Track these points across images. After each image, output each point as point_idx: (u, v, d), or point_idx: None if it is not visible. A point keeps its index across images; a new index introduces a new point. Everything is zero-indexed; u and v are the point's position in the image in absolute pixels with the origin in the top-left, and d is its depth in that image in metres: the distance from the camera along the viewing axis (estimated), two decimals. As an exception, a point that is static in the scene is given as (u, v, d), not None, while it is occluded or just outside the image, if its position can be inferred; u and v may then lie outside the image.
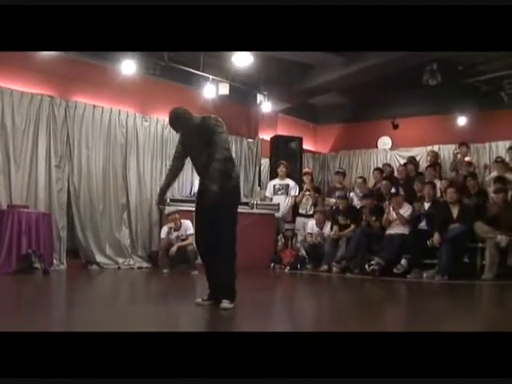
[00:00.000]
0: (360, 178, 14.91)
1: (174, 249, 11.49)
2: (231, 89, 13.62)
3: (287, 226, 13.90)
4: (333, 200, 14.29)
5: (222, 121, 6.58)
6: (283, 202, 14.12)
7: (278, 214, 13.93)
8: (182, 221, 11.80)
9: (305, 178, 14.67)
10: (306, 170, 15.31)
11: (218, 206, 6.37)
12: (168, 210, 11.75)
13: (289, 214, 14.34)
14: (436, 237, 11.45)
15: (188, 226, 11.75)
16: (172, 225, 11.78)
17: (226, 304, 6.42)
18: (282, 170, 14.32)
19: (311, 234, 13.41)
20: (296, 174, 14.80)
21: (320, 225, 13.44)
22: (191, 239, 11.36)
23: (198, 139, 6.58)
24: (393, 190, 13.25)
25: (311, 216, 14.02)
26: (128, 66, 12.06)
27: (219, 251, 6.70)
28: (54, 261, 11.16)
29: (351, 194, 14.74)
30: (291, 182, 14.32)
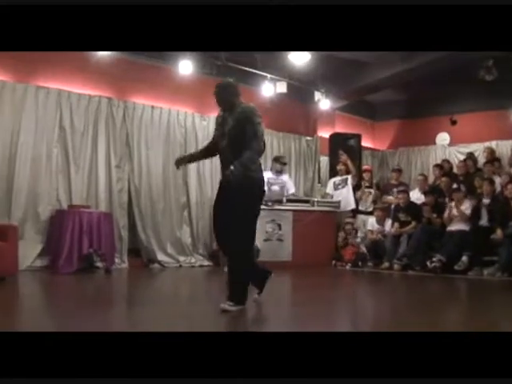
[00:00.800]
0: (421, 175, 14.22)
1: None
2: (289, 87, 13.08)
3: (347, 220, 13.25)
4: (391, 197, 13.63)
5: (258, 110, 6.15)
6: (345, 194, 13.54)
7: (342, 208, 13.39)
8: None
9: (364, 175, 14.13)
10: (365, 167, 14.70)
11: (236, 197, 5.94)
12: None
13: (350, 204, 13.59)
14: (499, 232, 10.78)
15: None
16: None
17: (225, 305, 5.83)
18: (340, 167, 13.78)
19: (372, 231, 12.86)
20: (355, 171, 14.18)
21: (380, 222, 12.85)
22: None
23: (231, 123, 6.12)
24: (454, 186, 12.62)
25: (371, 213, 13.42)
26: (185, 66, 11.66)
27: (231, 247, 6.08)
28: (116, 260, 10.79)
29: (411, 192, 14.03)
30: (349, 177, 13.69)
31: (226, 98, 6.22)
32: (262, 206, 11.58)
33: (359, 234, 13.26)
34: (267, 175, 12.76)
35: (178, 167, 6.68)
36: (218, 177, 12.22)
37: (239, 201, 5.93)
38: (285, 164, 13.22)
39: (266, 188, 12.28)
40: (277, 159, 13.01)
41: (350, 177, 13.73)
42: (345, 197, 13.57)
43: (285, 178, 13.13)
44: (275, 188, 12.71)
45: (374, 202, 13.75)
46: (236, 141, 6.04)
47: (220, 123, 6.32)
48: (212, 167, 12.53)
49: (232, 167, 5.82)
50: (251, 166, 6.00)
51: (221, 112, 6.40)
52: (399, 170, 14.77)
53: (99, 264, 10.33)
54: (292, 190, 13.15)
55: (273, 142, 13.98)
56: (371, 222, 13.04)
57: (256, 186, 6.17)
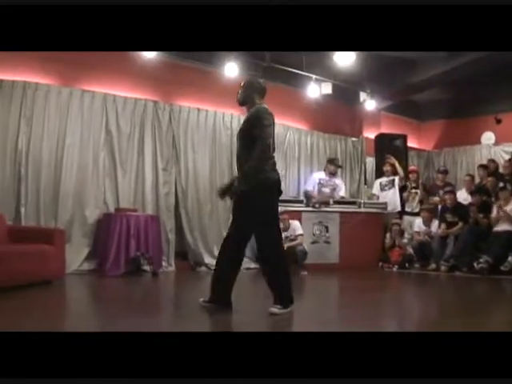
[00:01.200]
0: (468, 175, 13.66)
1: None
2: (334, 88, 12.61)
3: (394, 221, 12.75)
4: (437, 199, 13.07)
5: (270, 112, 5.84)
6: (391, 196, 13.10)
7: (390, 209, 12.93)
8: (291, 221, 10.92)
9: (410, 175, 13.53)
10: (411, 167, 14.10)
11: (243, 206, 5.77)
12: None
13: (396, 206, 13.11)
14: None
15: (296, 226, 10.92)
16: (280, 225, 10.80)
17: (273, 309, 5.62)
18: (387, 168, 13.31)
19: (418, 232, 12.33)
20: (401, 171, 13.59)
21: (427, 223, 12.33)
22: (300, 239, 10.73)
23: (243, 127, 5.96)
24: (500, 185, 12.02)
25: (417, 214, 12.87)
26: (231, 68, 11.34)
27: (263, 253, 5.94)
28: (163, 263, 10.52)
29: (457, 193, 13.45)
30: (396, 178, 13.21)
31: (249, 95, 6.06)
32: (309, 208, 11.72)
33: (406, 236, 12.73)
34: (319, 175, 12.63)
35: (222, 199, 6.36)
36: None
37: (253, 208, 5.71)
38: (339, 167, 12.86)
39: (315, 188, 12.15)
40: (331, 161, 12.67)
41: (396, 178, 13.25)
42: (391, 198, 13.11)
43: (337, 181, 12.77)
44: (326, 190, 12.40)
45: (421, 202, 13.19)
46: (244, 143, 5.86)
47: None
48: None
49: (236, 184, 5.74)
50: (257, 174, 5.66)
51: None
52: (445, 172, 14.17)
53: (146, 267, 10.10)
54: (342, 194, 12.75)
55: (319, 143, 13.61)
56: (418, 223, 12.51)
57: (267, 190, 5.80)
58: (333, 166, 12.55)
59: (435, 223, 12.33)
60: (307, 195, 12.21)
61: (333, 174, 12.59)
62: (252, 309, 6.33)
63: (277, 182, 5.90)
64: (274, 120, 5.85)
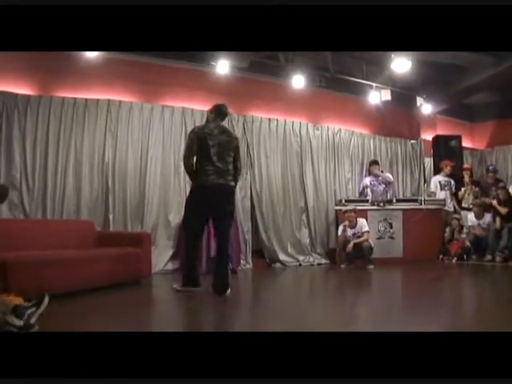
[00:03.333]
0: None
1: (350, 245, 9.98)
2: (393, 94, 11.79)
3: (455, 216, 11.88)
4: (488, 200, 12.23)
5: (192, 131, 6.45)
6: (448, 198, 12.27)
7: (446, 208, 12.06)
8: (358, 219, 10.28)
9: (464, 173, 12.58)
10: (465, 165, 13.02)
11: None
12: (345, 209, 10.38)
13: (450, 206, 12.29)
14: None
15: (363, 223, 10.24)
16: (347, 223, 10.22)
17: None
18: (447, 168, 12.43)
19: (473, 226, 11.47)
20: (457, 171, 12.73)
21: (478, 217, 11.43)
22: (366, 236, 10.12)
23: None
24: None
25: (471, 209, 11.92)
26: (297, 80, 10.72)
27: None
28: (241, 261, 9.98)
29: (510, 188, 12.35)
30: (452, 180, 12.45)
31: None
32: (374, 207, 10.93)
33: (465, 230, 12.18)
34: (367, 180, 11.81)
35: None
36: (332, 183, 11.60)
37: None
38: (378, 164, 12.09)
39: (369, 190, 11.72)
40: (375, 162, 11.95)
41: (452, 181, 12.41)
42: (447, 198, 12.29)
43: (385, 174, 12.05)
44: (379, 189, 11.74)
45: (475, 198, 12.25)
46: None
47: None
48: (327, 174, 11.62)
49: None
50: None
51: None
52: (494, 171, 13.35)
53: (226, 265, 9.71)
54: (391, 177, 12.14)
55: (381, 146, 12.75)
56: (470, 217, 11.61)
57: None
58: (377, 166, 11.89)
59: (487, 216, 11.44)
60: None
61: (377, 175, 11.87)
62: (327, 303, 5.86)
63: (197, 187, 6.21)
64: (195, 136, 6.19)
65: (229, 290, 6.10)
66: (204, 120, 9.90)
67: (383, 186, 11.74)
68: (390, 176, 12.20)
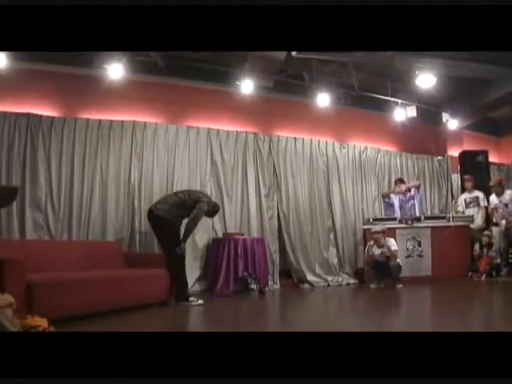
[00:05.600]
0: None
1: (374, 253, 9.88)
2: (418, 110, 11.53)
3: (485, 233, 11.41)
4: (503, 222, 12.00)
5: None
6: (476, 214, 11.73)
7: (473, 225, 11.51)
8: (387, 238, 9.99)
9: (495, 183, 11.89)
10: (496, 178, 13.25)
11: None
12: (374, 229, 10.10)
13: (483, 224, 11.70)
14: None
15: (391, 242, 9.90)
16: (372, 242, 10.01)
17: None
18: (467, 184, 12.06)
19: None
20: (484, 186, 12.24)
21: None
22: (395, 255, 9.72)
23: None
24: None
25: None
26: (322, 98, 10.48)
27: None
28: (269, 281, 9.71)
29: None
30: (480, 194, 11.92)
31: None
32: (401, 225, 10.58)
33: (494, 247, 11.92)
34: (396, 199, 11.43)
35: None
36: (360, 202, 11.39)
37: None
38: (404, 182, 11.67)
39: (397, 209, 11.46)
40: (401, 180, 11.60)
41: (480, 194, 11.87)
42: (475, 216, 11.74)
43: (408, 185, 11.63)
44: (407, 205, 11.37)
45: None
46: None
47: None
48: (354, 192, 11.41)
49: None
50: None
51: None
52: None
53: (253, 286, 9.38)
54: (416, 182, 11.94)
55: (408, 163, 12.50)
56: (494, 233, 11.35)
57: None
58: (403, 183, 11.51)
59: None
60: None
61: (403, 193, 11.47)
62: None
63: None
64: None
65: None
66: (229, 141, 10.00)
67: (411, 202, 11.48)
68: (415, 182, 11.98)
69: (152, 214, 7.61)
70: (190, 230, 7.64)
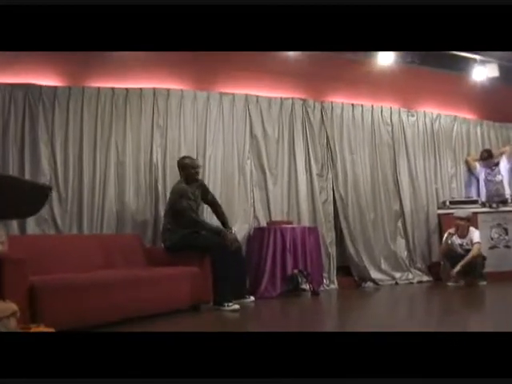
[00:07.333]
0: None
1: (455, 270, 9.57)
2: (501, 69, 10.74)
3: None
4: None
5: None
6: None
7: None
8: (471, 228, 9.53)
9: None
10: None
11: None
12: (457, 215, 9.57)
13: None
14: None
15: (475, 234, 9.46)
16: (452, 230, 9.45)
17: None
18: None
19: None
20: None
21: None
22: (476, 251, 9.42)
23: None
24: None
25: None
26: (384, 57, 9.73)
27: None
28: (324, 280, 9.24)
29: None
30: None
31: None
32: (486, 209, 10.46)
33: None
34: (482, 172, 10.89)
35: None
36: (433, 181, 10.74)
37: None
38: (492, 156, 11.14)
39: (482, 187, 11.16)
40: (485, 155, 11.12)
41: None
42: None
43: (501, 165, 11.05)
44: (495, 180, 11.01)
45: None
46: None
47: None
48: (426, 170, 10.85)
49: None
50: None
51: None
52: None
53: (305, 286, 8.80)
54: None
55: (489, 133, 11.75)
56: None
57: None
58: (491, 157, 11.04)
59: None
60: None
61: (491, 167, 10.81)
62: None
63: None
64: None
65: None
66: (272, 109, 9.71)
67: (499, 177, 10.96)
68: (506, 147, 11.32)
69: None
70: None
